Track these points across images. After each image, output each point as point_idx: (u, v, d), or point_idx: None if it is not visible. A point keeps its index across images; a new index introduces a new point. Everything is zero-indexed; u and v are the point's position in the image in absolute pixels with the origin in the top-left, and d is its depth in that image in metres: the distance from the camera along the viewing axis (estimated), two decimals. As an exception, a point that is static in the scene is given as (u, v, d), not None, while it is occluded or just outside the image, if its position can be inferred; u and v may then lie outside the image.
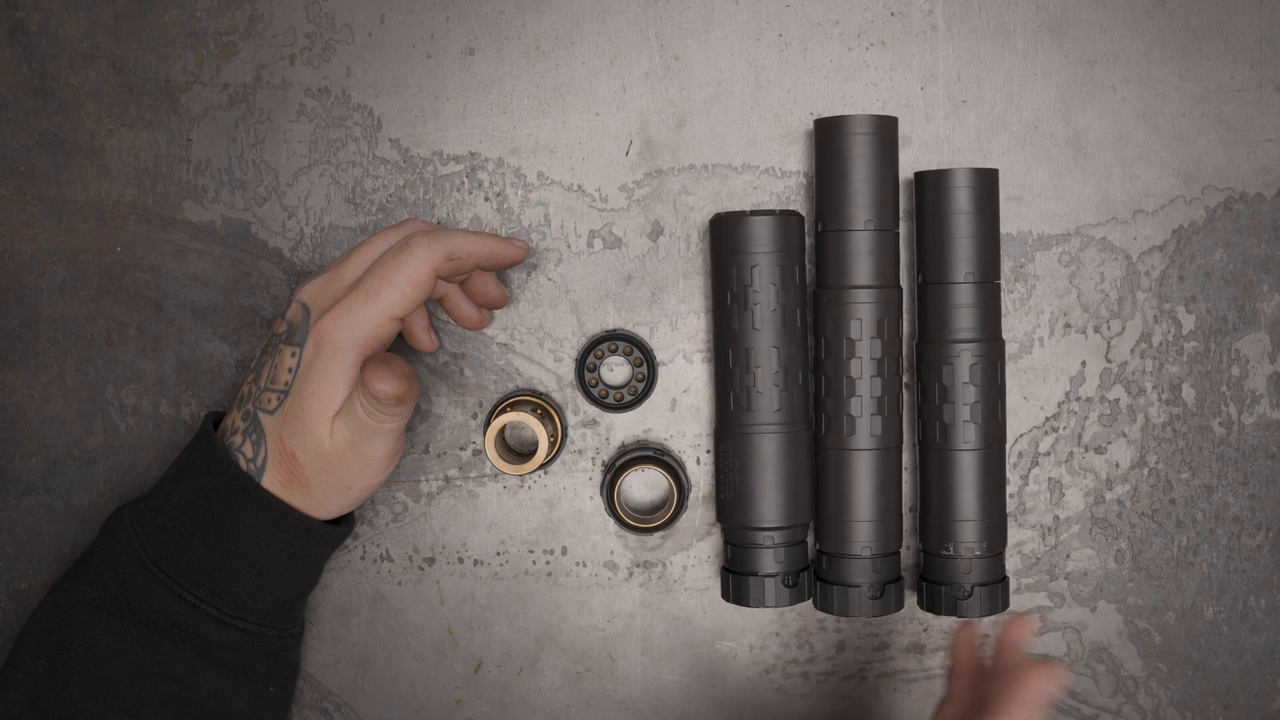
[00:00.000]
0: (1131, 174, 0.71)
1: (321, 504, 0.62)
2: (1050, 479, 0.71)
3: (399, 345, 0.71)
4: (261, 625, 0.63)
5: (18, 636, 0.64)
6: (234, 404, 0.64)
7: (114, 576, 0.62)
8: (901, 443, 0.68)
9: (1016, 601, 0.72)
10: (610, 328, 0.71)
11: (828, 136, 0.66)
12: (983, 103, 0.70)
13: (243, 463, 0.61)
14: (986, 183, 0.66)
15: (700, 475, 0.72)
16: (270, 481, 0.61)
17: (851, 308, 0.66)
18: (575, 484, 0.72)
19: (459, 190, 0.71)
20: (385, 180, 0.71)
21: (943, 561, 0.67)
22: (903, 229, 0.70)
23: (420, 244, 0.60)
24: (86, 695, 0.61)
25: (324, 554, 0.64)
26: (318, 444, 0.60)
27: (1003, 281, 0.71)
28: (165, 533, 0.62)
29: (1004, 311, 0.71)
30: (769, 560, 0.67)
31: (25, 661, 0.62)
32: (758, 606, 0.67)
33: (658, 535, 0.72)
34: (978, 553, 0.67)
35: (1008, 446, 0.71)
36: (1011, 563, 0.72)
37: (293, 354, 0.61)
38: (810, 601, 0.70)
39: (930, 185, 0.67)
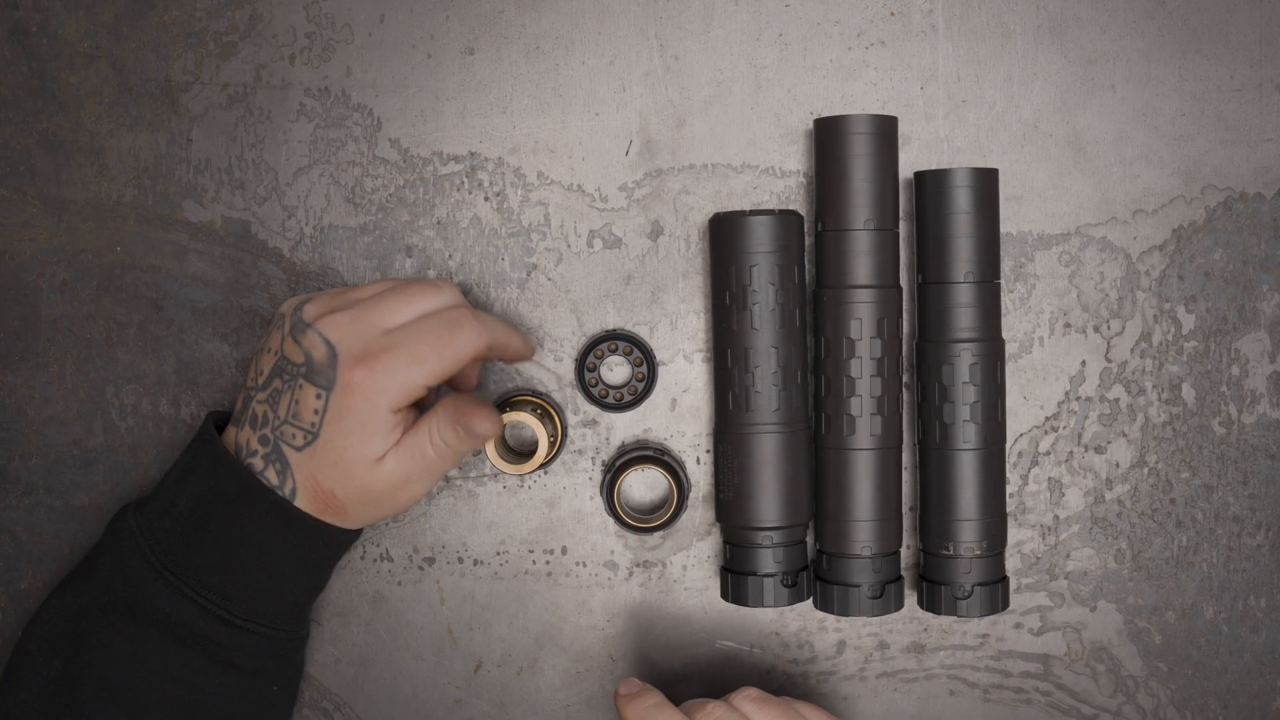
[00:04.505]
0: (1131, 174, 0.71)
1: (354, 523, 0.64)
2: (1050, 479, 0.71)
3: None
4: (272, 628, 0.63)
5: (24, 638, 0.64)
6: (244, 419, 0.63)
7: (123, 581, 0.62)
8: (901, 442, 0.68)
9: (1016, 601, 0.72)
10: (610, 327, 0.71)
11: (828, 136, 0.66)
12: (983, 102, 0.70)
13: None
14: (986, 182, 0.66)
15: (700, 475, 0.72)
16: (304, 507, 0.62)
17: (851, 307, 0.66)
18: (575, 484, 0.72)
19: (459, 190, 0.71)
20: (385, 180, 0.71)
21: (943, 561, 0.67)
22: (903, 229, 0.70)
23: (472, 325, 0.61)
24: (97, 697, 0.61)
25: (334, 556, 0.65)
26: (365, 487, 0.61)
27: (1003, 281, 0.71)
28: (174, 536, 0.62)
29: (1004, 311, 0.71)
30: (768, 560, 0.67)
31: (39, 663, 0.63)
32: (757, 606, 0.67)
33: (658, 535, 0.72)
34: (978, 552, 0.67)
35: (1008, 446, 0.71)
36: (1011, 562, 0.72)
37: (318, 395, 0.60)
38: (810, 601, 0.70)
39: (930, 185, 0.67)
